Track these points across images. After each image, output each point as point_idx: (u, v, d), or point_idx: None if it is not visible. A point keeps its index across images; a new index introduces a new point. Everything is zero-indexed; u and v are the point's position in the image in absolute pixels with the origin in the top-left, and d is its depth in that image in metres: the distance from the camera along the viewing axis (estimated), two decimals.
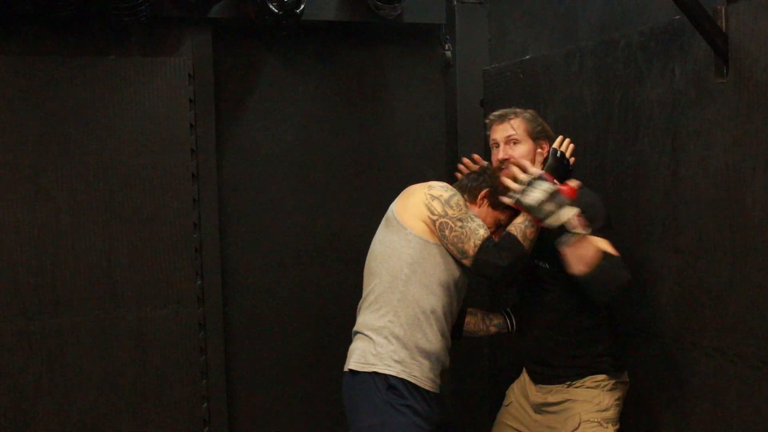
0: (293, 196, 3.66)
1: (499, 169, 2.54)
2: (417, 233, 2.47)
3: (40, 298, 3.15)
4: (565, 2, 3.14)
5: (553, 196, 2.27)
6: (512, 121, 2.57)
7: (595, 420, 2.48)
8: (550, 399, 2.57)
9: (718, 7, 2.26)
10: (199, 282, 3.37)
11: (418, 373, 2.45)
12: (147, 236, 3.28)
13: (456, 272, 2.51)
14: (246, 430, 3.61)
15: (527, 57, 3.33)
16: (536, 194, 2.28)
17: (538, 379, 2.63)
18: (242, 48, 3.53)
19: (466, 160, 2.75)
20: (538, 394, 2.62)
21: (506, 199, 2.38)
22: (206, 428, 3.40)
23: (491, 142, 2.63)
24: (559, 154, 2.50)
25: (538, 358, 2.63)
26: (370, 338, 2.48)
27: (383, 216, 2.59)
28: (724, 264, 2.32)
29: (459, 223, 2.42)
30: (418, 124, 3.80)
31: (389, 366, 2.43)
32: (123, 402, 3.27)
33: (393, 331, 2.45)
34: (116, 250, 3.24)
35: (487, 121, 2.67)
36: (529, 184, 2.31)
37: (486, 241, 2.39)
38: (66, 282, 3.18)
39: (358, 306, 2.60)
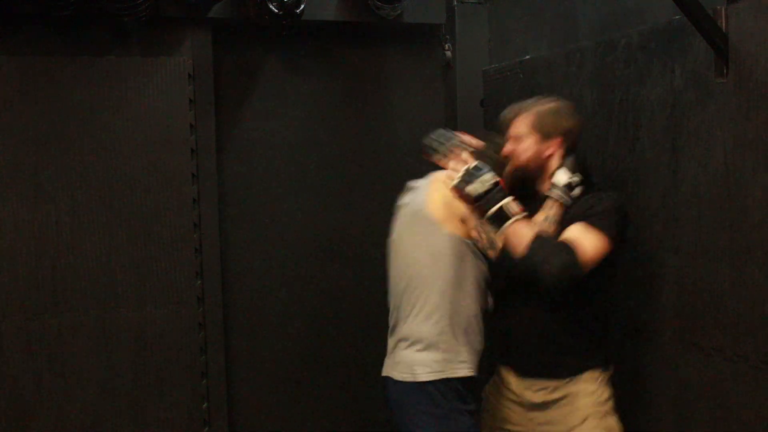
0: (293, 196, 3.66)
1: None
2: (456, 233, 2.43)
3: (40, 298, 3.15)
4: (565, 2, 3.14)
5: (492, 186, 2.35)
6: (519, 118, 2.58)
7: (600, 411, 2.50)
8: (552, 397, 2.57)
9: (718, 7, 2.26)
10: (199, 282, 3.37)
11: (476, 369, 2.47)
12: (147, 236, 3.28)
13: (485, 267, 2.50)
14: (246, 430, 3.61)
15: (527, 57, 3.32)
16: (476, 185, 2.35)
17: (533, 372, 2.60)
18: (242, 48, 3.53)
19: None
20: (534, 393, 2.61)
21: (450, 186, 2.39)
22: (206, 428, 3.40)
23: None
24: (570, 184, 2.50)
25: (531, 349, 2.60)
26: (431, 346, 2.42)
27: (391, 211, 2.55)
28: (724, 264, 2.32)
29: None
30: (418, 124, 3.79)
31: (457, 369, 2.41)
32: (123, 402, 3.27)
33: (452, 335, 2.42)
34: (116, 250, 3.24)
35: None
36: (469, 174, 2.36)
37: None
38: (66, 282, 3.18)
39: (403, 313, 2.48)
